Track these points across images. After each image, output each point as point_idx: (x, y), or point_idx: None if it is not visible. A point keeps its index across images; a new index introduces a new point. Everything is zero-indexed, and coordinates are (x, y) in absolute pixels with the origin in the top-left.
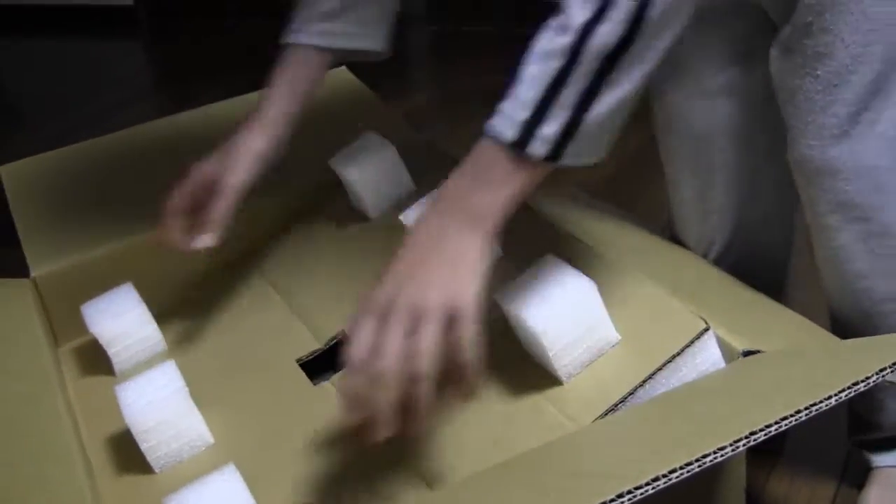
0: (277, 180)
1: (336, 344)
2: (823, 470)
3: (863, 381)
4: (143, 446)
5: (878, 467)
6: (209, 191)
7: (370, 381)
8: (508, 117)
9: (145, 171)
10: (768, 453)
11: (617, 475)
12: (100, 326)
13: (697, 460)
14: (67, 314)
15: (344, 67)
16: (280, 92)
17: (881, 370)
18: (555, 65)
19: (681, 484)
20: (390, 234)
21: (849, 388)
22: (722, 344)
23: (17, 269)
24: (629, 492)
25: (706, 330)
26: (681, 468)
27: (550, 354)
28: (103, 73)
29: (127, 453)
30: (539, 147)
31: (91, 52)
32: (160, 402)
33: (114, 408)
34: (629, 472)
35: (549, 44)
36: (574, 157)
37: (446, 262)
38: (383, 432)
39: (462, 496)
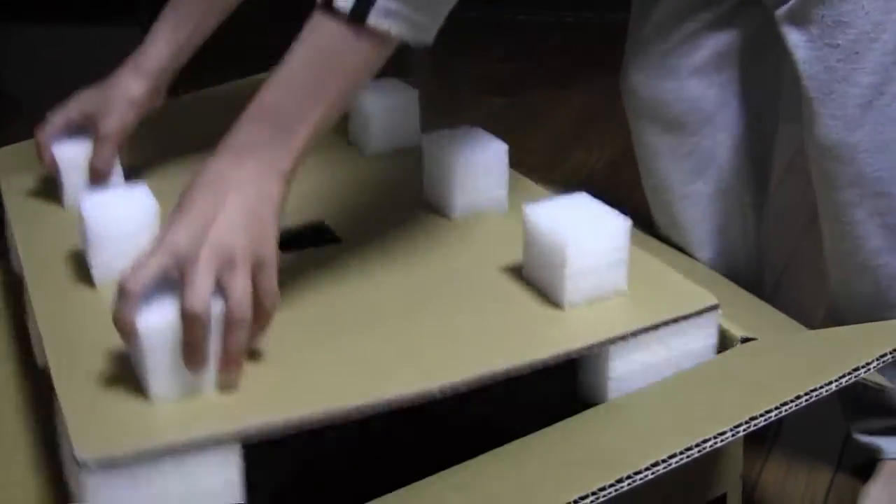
0: None
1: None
2: (819, 456)
3: (863, 367)
4: (94, 260)
5: (886, 459)
6: (83, 126)
7: (191, 323)
8: None
9: (144, 152)
10: (763, 440)
11: (616, 460)
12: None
13: (697, 445)
14: None
15: None
16: (167, 26)
17: (882, 356)
18: None
19: (679, 469)
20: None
21: (849, 373)
22: (721, 330)
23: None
24: (629, 476)
25: (715, 307)
26: (680, 453)
27: (566, 272)
28: (102, 60)
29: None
30: None
31: (89, 39)
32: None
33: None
34: (628, 458)
35: None
36: (384, 16)
37: (247, 208)
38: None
39: (455, 482)
